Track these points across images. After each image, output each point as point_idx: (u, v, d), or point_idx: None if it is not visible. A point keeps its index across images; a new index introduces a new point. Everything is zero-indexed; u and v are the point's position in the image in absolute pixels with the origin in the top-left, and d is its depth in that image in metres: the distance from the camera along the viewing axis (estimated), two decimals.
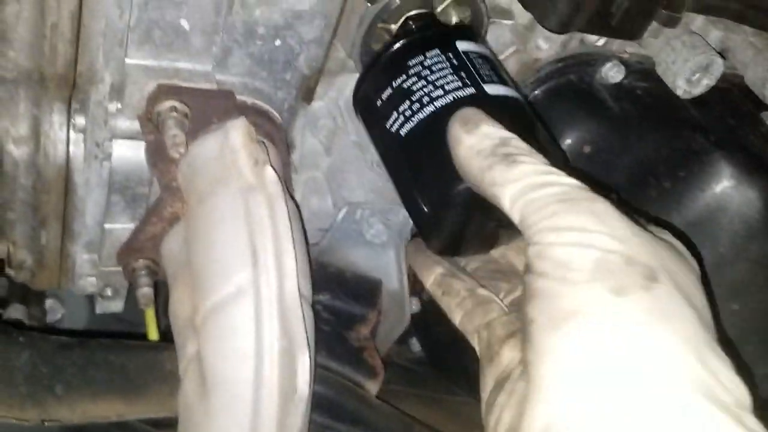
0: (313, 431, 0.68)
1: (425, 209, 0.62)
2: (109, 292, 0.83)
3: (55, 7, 0.59)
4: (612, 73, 0.78)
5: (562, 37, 0.73)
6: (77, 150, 0.71)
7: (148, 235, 0.73)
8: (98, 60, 0.63)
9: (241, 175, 0.63)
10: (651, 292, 0.46)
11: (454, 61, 0.63)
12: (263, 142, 0.66)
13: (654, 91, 0.81)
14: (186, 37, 0.65)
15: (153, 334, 0.86)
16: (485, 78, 0.62)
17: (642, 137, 0.79)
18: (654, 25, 0.71)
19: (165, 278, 0.74)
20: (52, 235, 0.76)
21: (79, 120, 0.68)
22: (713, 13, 0.77)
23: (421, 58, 0.64)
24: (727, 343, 0.49)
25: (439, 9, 0.68)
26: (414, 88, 0.63)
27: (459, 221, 0.62)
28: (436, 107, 0.61)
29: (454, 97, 0.61)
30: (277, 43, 0.68)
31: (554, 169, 0.52)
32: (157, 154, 0.67)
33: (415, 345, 1.04)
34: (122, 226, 0.76)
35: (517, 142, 0.54)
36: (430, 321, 0.89)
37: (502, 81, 0.63)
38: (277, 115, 0.73)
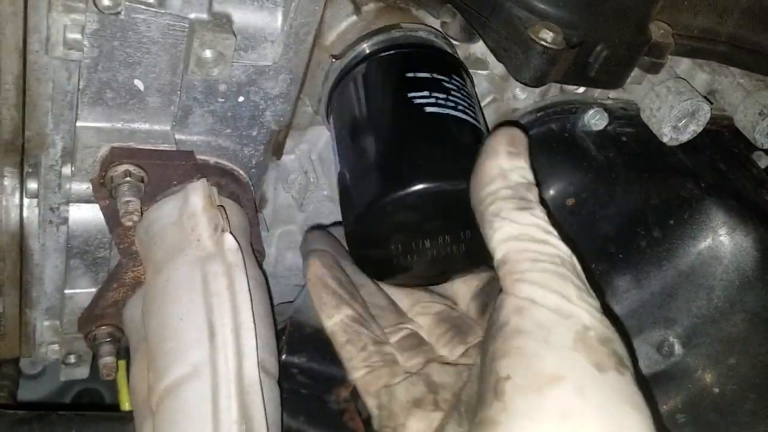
0: None
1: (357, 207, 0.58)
2: (72, 359, 0.79)
3: None
4: (595, 121, 0.75)
5: None
6: (31, 215, 0.67)
7: (110, 301, 0.70)
8: (47, 124, 0.60)
9: (200, 242, 0.60)
10: (623, 377, 0.46)
11: (436, 84, 0.61)
12: (222, 207, 0.62)
13: (640, 137, 0.77)
14: (141, 98, 0.62)
15: (124, 404, 0.82)
16: (458, 106, 0.61)
17: (629, 186, 0.76)
18: (637, 70, 0.68)
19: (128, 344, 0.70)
20: (9, 303, 0.73)
21: (32, 185, 0.64)
22: (699, 56, 0.74)
23: (407, 71, 0.62)
24: None
25: None
26: (453, 90, 0.61)
27: (398, 224, 0.57)
28: (462, 116, 0.59)
29: (424, 112, 0.59)
30: (241, 99, 0.65)
31: (555, 232, 0.51)
32: (113, 219, 0.63)
33: None
34: (83, 291, 0.73)
35: (537, 193, 0.53)
36: None
37: (474, 113, 0.62)
38: (242, 173, 0.69)
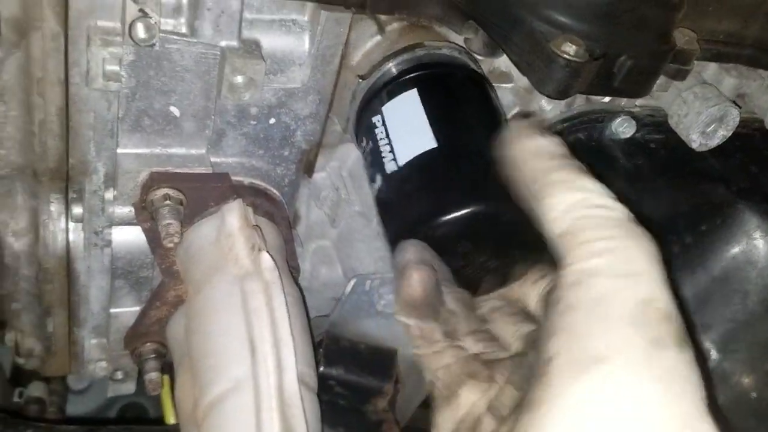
0: None
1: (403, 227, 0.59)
2: (119, 375, 0.82)
3: (41, 105, 0.59)
4: (622, 129, 0.75)
5: None
6: (77, 238, 0.70)
7: (153, 319, 0.72)
8: (90, 152, 0.63)
9: (238, 261, 0.61)
10: (683, 355, 0.43)
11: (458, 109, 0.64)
12: (258, 227, 0.64)
13: (668, 144, 0.77)
14: (177, 123, 0.64)
15: (169, 418, 0.84)
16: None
17: (658, 193, 0.76)
18: (663, 77, 0.68)
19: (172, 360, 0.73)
20: (59, 323, 0.76)
21: (76, 209, 0.67)
22: (726, 60, 0.74)
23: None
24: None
25: None
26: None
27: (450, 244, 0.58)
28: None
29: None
30: (272, 121, 0.67)
31: (612, 194, 0.48)
32: (155, 241, 0.66)
33: None
34: (128, 310, 0.75)
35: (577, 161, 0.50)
36: None
37: (497, 125, 0.63)
38: (276, 192, 0.71)
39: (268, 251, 0.62)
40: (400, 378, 0.83)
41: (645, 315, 0.43)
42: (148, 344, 0.75)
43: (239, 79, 0.60)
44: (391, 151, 0.62)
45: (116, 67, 0.57)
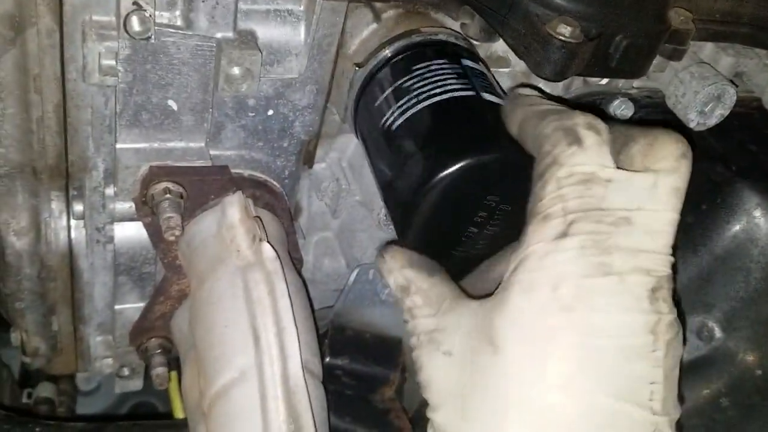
0: None
1: (405, 196, 0.59)
2: (126, 371, 0.82)
3: (38, 102, 0.59)
4: (621, 111, 0.75)
5: None
6: (79, 235, 0.70)
7: (158, 314, 0.73)
8: (89, 148, 0.63)
9: (240, 253, 0.62)
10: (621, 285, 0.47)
11: (459, 70, 0.63)
12: (259, 218, 0.64)
13: (668, 124, 0.77)
14: (175, 117, 0.64)
15: (177, 412, 0.84)
16: (485, 88, 0.63)
17: None
18: (659, 58, 0.68)
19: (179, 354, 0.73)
20: (63, 321, 0.76)
21: (77, 207, 0.67)
22: (722, 39, 0.74)
23: (428, 63, 0.64)
24: None
25: None
26: (415, 86, 0.63)
27: (440, 209, 0.58)
28: (433, 101, 0.61)
29: (453, 95, 0.61)
30: (270, 112, 0.67)
31: None
32: (156, 235, 0.66)
33: None
34: (132, 306, 0.76)
35: None
36: None
37: (499, 96, 0.64)
38: (276, 184, 0.72)
39: (269, 242, 0.62)
40: (407, 366, 0.84)
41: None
42: (154, 339, 0.75)
43: (236, 70, 0.60)
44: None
45: (113, 62, 0.57)
